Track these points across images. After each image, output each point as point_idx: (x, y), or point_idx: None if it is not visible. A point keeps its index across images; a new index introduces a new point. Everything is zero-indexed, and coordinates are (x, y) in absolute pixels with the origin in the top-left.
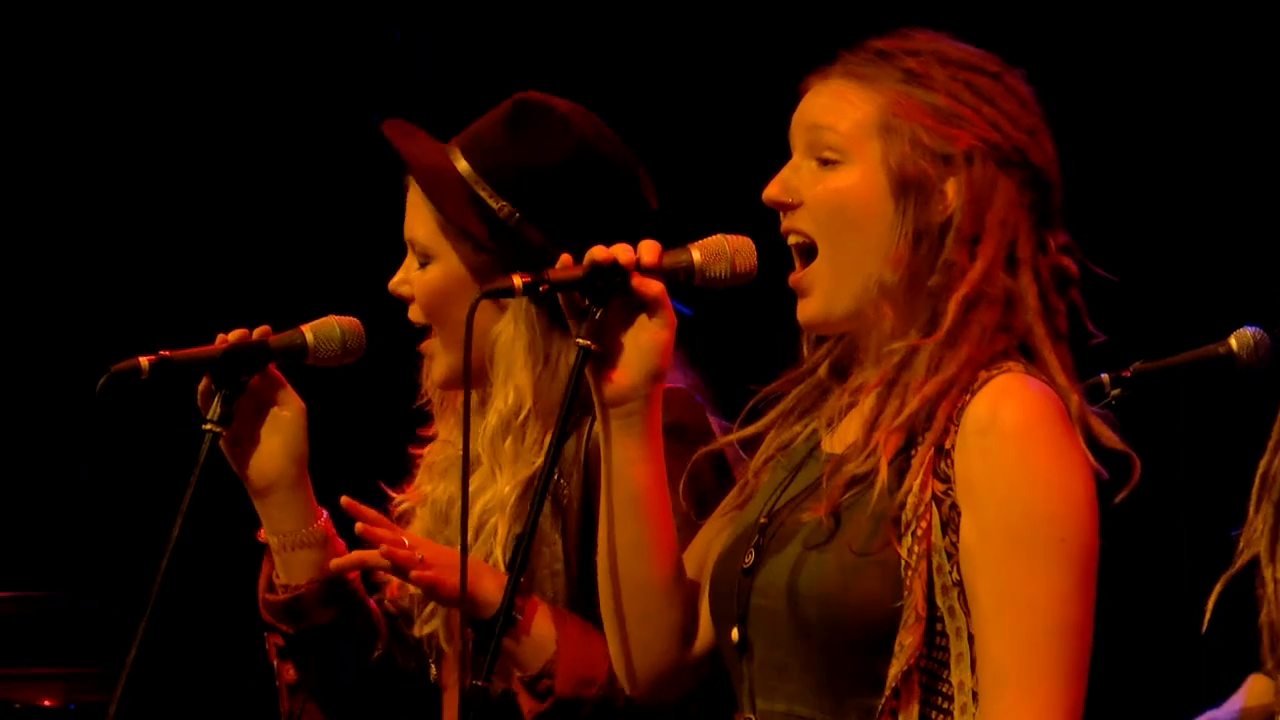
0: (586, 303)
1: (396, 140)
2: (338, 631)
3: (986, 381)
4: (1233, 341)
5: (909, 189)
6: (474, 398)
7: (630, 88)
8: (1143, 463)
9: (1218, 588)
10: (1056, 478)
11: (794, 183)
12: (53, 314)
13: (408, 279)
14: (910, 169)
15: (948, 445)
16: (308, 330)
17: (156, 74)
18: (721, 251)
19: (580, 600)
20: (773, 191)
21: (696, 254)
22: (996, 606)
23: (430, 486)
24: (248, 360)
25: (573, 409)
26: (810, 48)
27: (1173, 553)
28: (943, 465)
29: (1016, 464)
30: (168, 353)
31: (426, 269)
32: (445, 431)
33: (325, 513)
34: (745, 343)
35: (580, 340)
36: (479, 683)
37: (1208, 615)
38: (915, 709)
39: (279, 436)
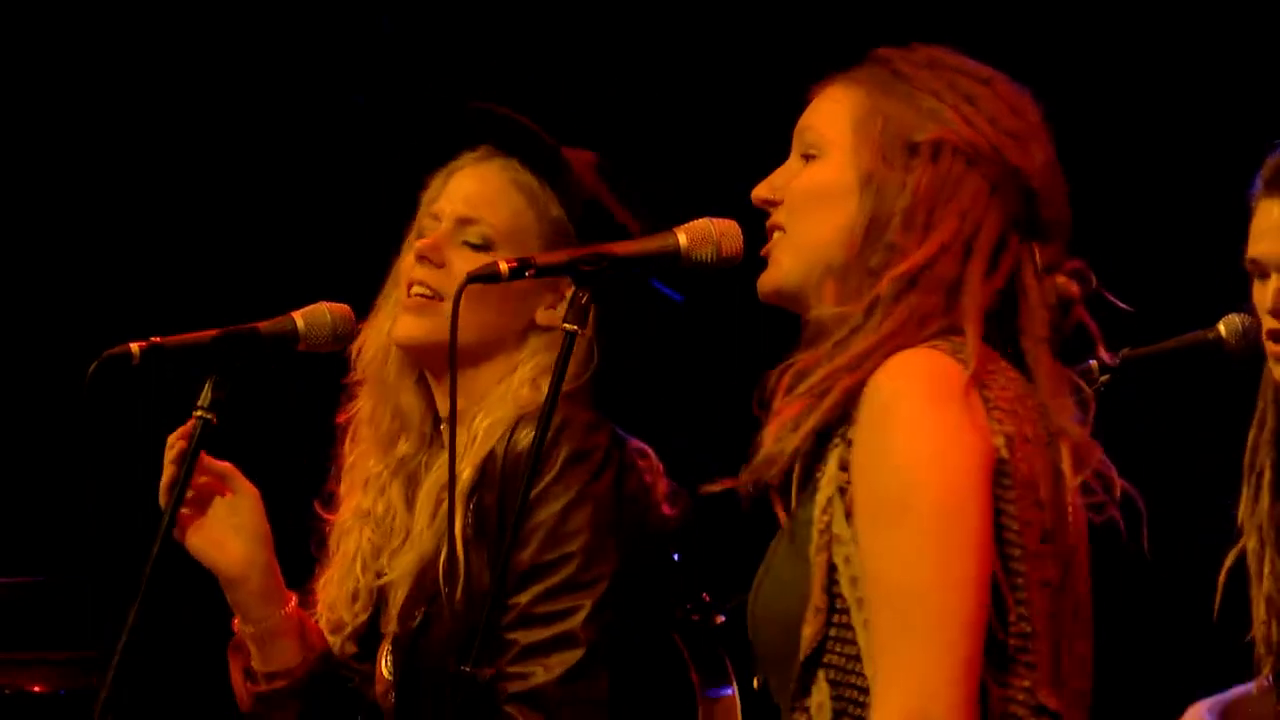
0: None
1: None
2: (321, 708)
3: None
4: (1221, 327)
5: (873, 177)
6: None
7: (621, 76)
8: (1130, 451)
9: (1226, 563)
10: (905, 448)
11: (778, 181)
12: (43, 300)
13: (444, 246)
14: (876, 157)
15: (850, 436)
16: (298, 317)
17: (147, 65)
18: (708, 235)
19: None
20: (759, 191)
21: (682, 237)
22: (869, 590)
23: (370, 502)
24: (240, 346)
25: (559, 393)
26: (800, 37)
27: (1168, 539)
28: (846, 454)
29: (873, 439)
30: (159, 339)
31: (485, 254)
32: (375, 447)
33: (295, 597)
34: (736, 335)
35: (566, 325)
36: (464, 668)
37: (1219, 596)
38: (828, 707)
39: (241, 522)
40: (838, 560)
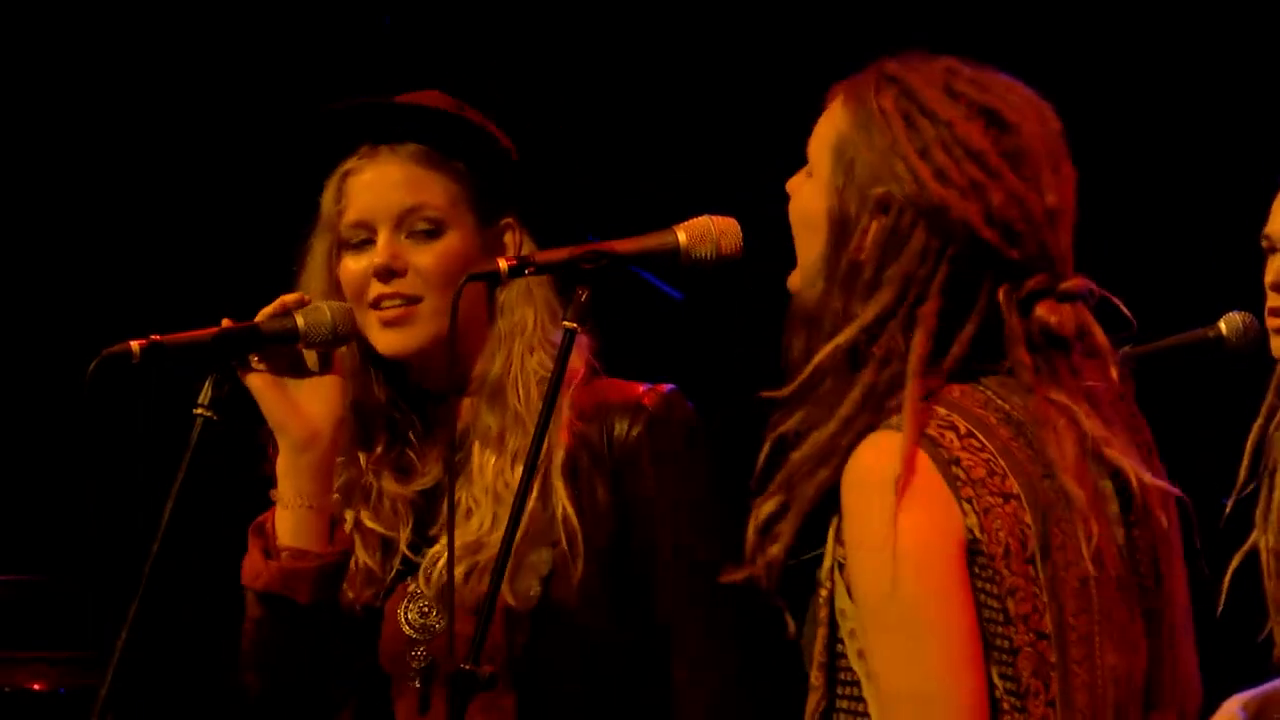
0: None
1: (410, 103)
2: (329, 612)
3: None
4: (1222, 325)
5: (835, 221)
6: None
7: (622, 74)
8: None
9: (1233, 563)
10: (872, 555)
11: (793, 183)
12: (42, 298)
13: (399, 253)
14: (840, 203)
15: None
16: (299, 315)
17: (146, 64)
18: (707, 233)
19: (600, 625)
20: (789, 183)
21: (682, 235)
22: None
23: (356, 510)
24: (239, 345)
25: (559, 390)
26: (800, 37)
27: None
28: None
29: (848, 536)
30: (159, 337)
31: (440, 239)
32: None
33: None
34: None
35: (566, 323)
36: (465, 666)
37: (1223, 595)
38: None
39: (323, 395)
40: (844, 634)
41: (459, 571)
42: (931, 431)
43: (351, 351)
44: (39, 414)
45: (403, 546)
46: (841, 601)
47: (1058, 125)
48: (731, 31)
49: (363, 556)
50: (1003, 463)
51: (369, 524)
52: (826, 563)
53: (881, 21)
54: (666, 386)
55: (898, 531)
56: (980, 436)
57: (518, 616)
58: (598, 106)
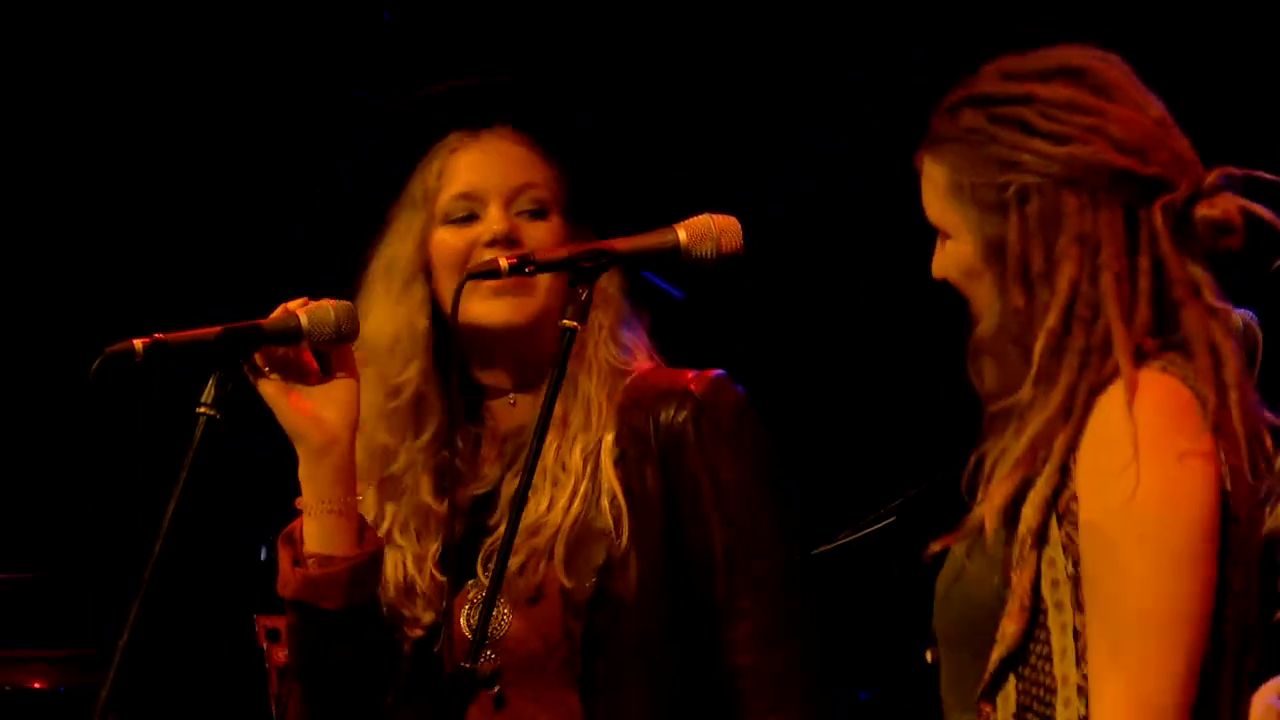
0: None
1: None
2: (366, 613)
3: (1106, 390)
4: None
5: (988, 247)
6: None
7: (623, 72)
8: None
9: None
10: (1148, 481)
11: (939, 264)
12: (43, 297)
13: (517, 225)
14: (983, 232)
15: (1071, 463)
16: (302, 313)
17: (146, 62)
18: (708, 231)
19: (660, 619)
20: (938, 275)
21: (682, 234)
22: (1098, 607)
23: (430, 498)
24: (242, 343)
25: (559, 388)
26: (799, 36)
27: None
28: (1065, 461)
29: (1113, 464)
30: (162, 335)
31: (547, 220)
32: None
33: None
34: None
35: (566, 322)
36: (465, 664)
37: None
38: (1013, 700)
39: (337, 399)
40: (1043, 563)
41: (515, 562)
42: (1194, 384)
43: (411, 342)
44: (40, 413)
45: (432, 561)
46: (1050, 530)
47: (1118, 58)
48: (731, 31)
49: (414, 574)
50: (1240, 429)
51: (402, 541)
52: (1039, 493)
53: (882, 21)
54: (714, 371)
55: (1174, 463)
56: (1233, 403)
57: (576, 607)
58: (597, 106)
